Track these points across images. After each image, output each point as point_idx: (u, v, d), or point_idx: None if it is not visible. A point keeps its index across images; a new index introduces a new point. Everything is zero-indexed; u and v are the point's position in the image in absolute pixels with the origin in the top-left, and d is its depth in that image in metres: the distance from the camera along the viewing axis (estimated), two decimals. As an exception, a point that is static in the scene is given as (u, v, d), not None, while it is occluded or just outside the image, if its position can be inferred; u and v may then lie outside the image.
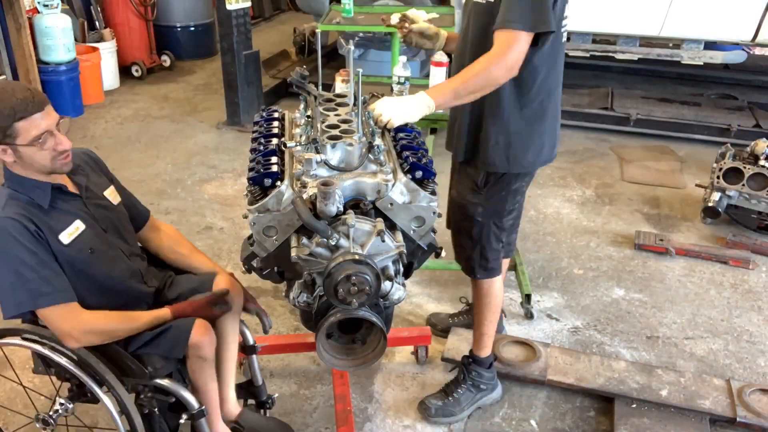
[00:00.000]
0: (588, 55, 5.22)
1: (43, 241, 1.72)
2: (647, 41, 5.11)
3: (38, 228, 1.71)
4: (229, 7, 4.77)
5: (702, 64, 5.07)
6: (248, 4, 4.92)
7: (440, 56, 3.06)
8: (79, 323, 1.74)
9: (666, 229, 3.75)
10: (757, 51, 6.01)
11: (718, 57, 4.98)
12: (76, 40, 5.32)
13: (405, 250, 1.73)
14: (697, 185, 3.94)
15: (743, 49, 5.17)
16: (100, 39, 5.71)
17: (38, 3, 5.01)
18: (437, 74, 3.01)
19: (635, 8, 4.80)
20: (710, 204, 3.64)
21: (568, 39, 5.09)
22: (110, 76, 5.77)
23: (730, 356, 2.81)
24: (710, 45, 5.00)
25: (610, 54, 5.13)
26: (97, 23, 5.80)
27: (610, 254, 3.52)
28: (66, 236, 1.77)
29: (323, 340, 1.77)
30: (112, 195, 1.98)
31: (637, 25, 4.90)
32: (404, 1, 5.09)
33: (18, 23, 4.79)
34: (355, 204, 1.73)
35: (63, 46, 5.03)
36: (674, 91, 5.70)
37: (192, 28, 6.68)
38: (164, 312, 1.86)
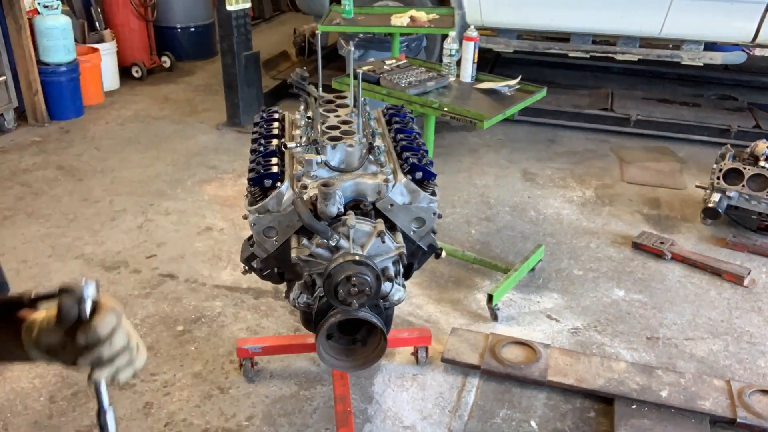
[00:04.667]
0: (588, 56, 5.22)
1: None
2: (647, 42, 5.11)
3: None
4: (229, 8, 4.77)
5: (702, 65, 5.08)
6: (248, 5, 4.92)
7: (471, 32, 3.12)
8: None
9: (666, 230, 3.75)
10: (757, 52, 6.01)
11: (717, 58, 4.98)
12: (76, 41, 5.31)
13: (405, 251, 1.73)
14: (697, 186, 3.94)
15: (743, 50, 5.17)
16: (101, 40, 5.71)
17: (38, 4, 5.01)
18: (468, 48, 3.12)
19: (635, 9, 4.80)
20: (710, 205, 3.64)
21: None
22: (110, 77, 5.77)
23: (730, 357, 2.81)
24: (710, 46, 5.01)
25: (610, 55, 5.14)
26: (97, 24, 5.80)
27: (611, 255, 3.52)
28: None
29: (323, 341, 1.77)
30: None
31: (637, 26, 4.90)
32: (404, 2, 5.10)
33: (18, 24, 4.80)
34: (356, 205, 1.73)
35: (63, 47, 5.03)
36: (674, 92, 5.70)
37: (192, 29, 6.68)
38: None
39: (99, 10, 5.85)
